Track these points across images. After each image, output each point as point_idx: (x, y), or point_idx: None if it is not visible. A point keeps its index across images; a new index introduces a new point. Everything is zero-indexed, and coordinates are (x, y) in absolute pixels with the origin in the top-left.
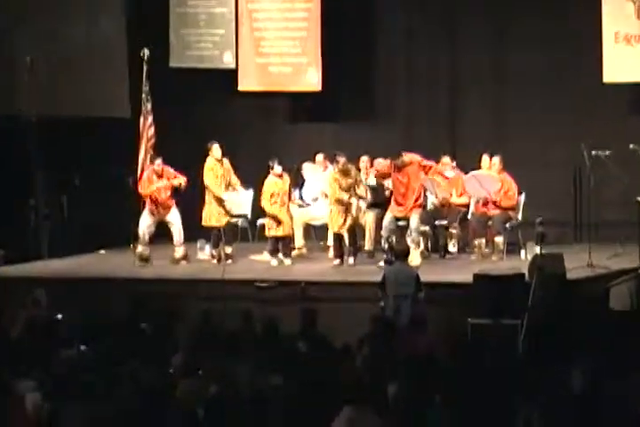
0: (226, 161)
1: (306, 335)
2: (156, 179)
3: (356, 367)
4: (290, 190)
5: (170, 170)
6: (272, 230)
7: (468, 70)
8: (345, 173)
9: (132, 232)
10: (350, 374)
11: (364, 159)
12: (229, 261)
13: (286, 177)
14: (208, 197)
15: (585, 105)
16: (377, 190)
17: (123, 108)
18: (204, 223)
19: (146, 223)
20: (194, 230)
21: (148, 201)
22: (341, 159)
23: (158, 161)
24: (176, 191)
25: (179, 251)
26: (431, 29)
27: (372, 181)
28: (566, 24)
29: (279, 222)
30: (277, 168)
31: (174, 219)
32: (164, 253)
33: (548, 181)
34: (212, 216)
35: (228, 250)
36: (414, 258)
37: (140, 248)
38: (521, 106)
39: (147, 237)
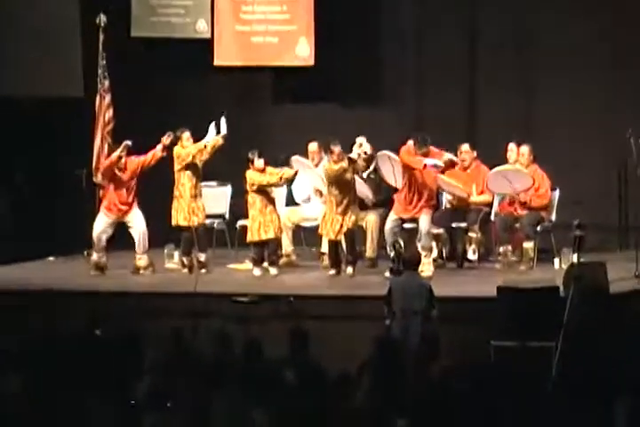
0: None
1: (295, 361)
2: (119, 173)
3: (355, 400)
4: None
5: (134, 160)
6: (255, 234)
7: (490, 40)
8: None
9: (87, 237)
10: (349, 407)
11: (360, 140)
12: (203, 270)
13: (271, 170)
14: (177, 191)
15: (629, 85)
16: (380, 185)
17: (75, 86)
18: (173, 223)
19: (101, 226)
20: (161, 234)
21: (104, 198)
22: (336, 148)
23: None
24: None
25: (141, 259)
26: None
27: (372, 175)
28: None
29: (263, 224)
30: (259, 162)
31: (136, 220)
32: (125, 262)
33: (587, 175)
34: (181, 214)
35: (202, 257)
36: (425, 267)
37: (94, 255)
38: (554, 86)
39: (102, 243)
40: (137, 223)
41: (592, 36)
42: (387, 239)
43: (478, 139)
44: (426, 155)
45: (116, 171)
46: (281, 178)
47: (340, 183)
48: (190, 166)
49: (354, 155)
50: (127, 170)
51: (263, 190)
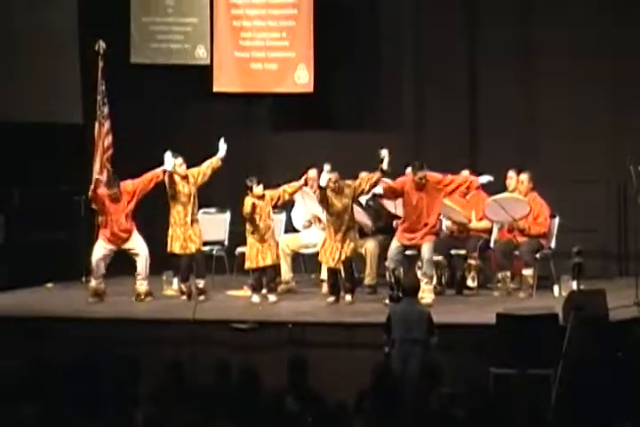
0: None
1: (294, 389)
2: (109, 204)
3: None
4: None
5: (128, 184)
6: (253, 260)
7: (489, 70)
8: (337, 192)
9: (85, 263)
10: None
11: (363, 176)
12: (202, 297)
13: (268, 197)
14: (172, 219)
15: (629, 111)
16: (379, 213)
17: (74, 113)
18: (169, 250)
19: (100, 253)
20: (159, 261)
21: (103, 226)
22: (332, 176)
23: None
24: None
25: (142, 284)
26: (447, 21)
27: (371, 201)
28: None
29: (261, 251)
30: (258, 188)
31: (138, 246)
32: (123, 289)
33: (587, 202)
34: (176, 242)
35: (201, 284)
36: (426, 294)
37: (93, 282)
38: (553, 112)
39: (101, 270)
40: (140, 249)
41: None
42: (388, 266)
43: (479, 166)
44: (421, 180)
45: (108, 202)
46: (285, 191)
47: (336, 210)
48: (183, 193)
49: (322, 182)
50: (122, 198)
51: (261, 217)
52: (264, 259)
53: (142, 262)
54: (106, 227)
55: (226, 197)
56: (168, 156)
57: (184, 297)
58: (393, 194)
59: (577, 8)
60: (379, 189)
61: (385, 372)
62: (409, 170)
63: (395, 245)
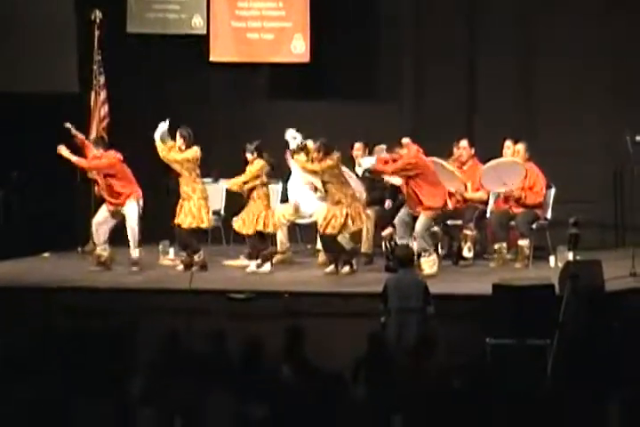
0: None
1: (290, 358)
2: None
3: (350, 397)
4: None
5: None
6: (249, 226)
7: (488, 39)
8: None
9: (81, 232)
10: (344, 405)
11: (357, 146)
12: (194, 268)
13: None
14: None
15: (628, 83)
16: (374, 183)
17: (70, 82)
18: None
19: (99, 216)
20: (156, 231)
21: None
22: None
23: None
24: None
25: (133, 253)
26: None
27: (367, 173)
28: None
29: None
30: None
31: (127, 214)
32: (121, 258)
33: (583, 173)
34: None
35: (195, 257)
36: (425, 266)
37: (97, 249)
38: (552, 84)
39: (101, 235)
40: (128, 218)
41: (594, 33)
42: (398, 229)
43: (476, 136)
44: None
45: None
46: None
47: (331, 179)
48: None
49: (293, 146)
50: (103, 159)
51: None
52: (265, 225)
53: (128, 231)
54: (100, 188)
55: (222, 166)
56: (161, 125)
57: (180, 267)
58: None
59: None
60: (370, 162)
61: (381, 342)
62: (406, 140)
63: (405, 209)
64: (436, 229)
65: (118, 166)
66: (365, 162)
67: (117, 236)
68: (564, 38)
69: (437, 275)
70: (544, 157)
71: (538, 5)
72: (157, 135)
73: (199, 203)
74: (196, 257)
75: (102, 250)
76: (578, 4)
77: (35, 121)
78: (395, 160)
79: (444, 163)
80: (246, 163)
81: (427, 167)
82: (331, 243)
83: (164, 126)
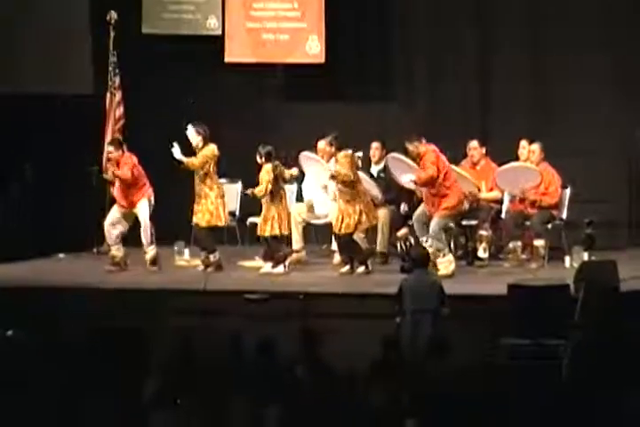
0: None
1: (305, 359)
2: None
3: (365, 398)
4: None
5: (132, 165)
6: (267, 229)
7: (501, 38)
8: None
9: (97, 234)
10: (358, 406)
11: (374, 146)
12: (209, 268)
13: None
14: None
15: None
16: (389, 184)
17: (85, 83)
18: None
19: (111, 218)
20: (172, 231)
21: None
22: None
23: (110, 148)
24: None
25: (148, 253)
26: None
27: (382, 173)
28: None
29: (275, 219)
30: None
31: (140, 214)
32: (137, 259)
33: (598, 173)
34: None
35: (211, 257)
36: (441, 266)
37: (112, 250)
38: (565, 83)
39: (114, 236)
40: (140, 217)
41: (608, 31)
42: (415, 228)
43: (491, 137)
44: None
45: (110, 166)
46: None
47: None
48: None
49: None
50: (123, 165)
51: (275, 186)
52: (278, 228)
53: (142, 230)
54: (115, 191)
55: (237, 167)
56: (176, 147)
57: (200, 268)
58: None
59: None
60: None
61: (395, 342)
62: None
63: (421, 208)
64: (451, 225)
65: (135, 172)
66: (405, 179)
67: (132, 236)
68: (576, 36)
69: (454, 275)
70: (559, 156)
71: (550, 3)
72: (179, 155)
73: (217, 202)
74: (211, 257)
75: (116, 250)
76: (590, 2)
77: (50, 122)
78: (424, 167)
79: (456, 169)
80: (258, 165)
81: (445, 168)
82: (346, 243)
83: (177, 148)
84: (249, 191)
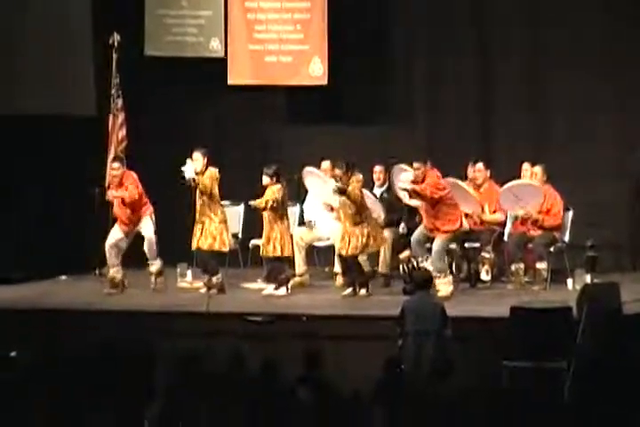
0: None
1: (308, 381)
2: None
3: (368, 420)
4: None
5: (135, 183)
6: (270, 250)
7: (502, 62)
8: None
9: (99, 255)
10: None
11: (378, 169)
12: (212, 290)
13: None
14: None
15: None
16: (393, 205)
17: (87, 105)
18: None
19: (112, 238)
20: (175, 254)
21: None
22: (338, 171)
23: (115, 164)
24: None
25: (154, 265)
26: (461, 12)
27: (385, 194)
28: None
29: (276, 241)
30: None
31: (144, 228)
32: (138, 281)
33: (601, 195)
34: (194, 237)
35: (213, 279)
36: (442, 287)
37: (111, 271)
38: (567, 107)
39: (113, 257)
40: (145, 231)
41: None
42: (413, 248)
43: (493, 160)
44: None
45: (114, 186)
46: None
47: (346, 201)
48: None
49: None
50: (123, 184)
51: (276, 207)
52: (275, 249)
53: (146, 245)
54: (116, 210)
55: (240, 189)
56: (189, 164)
57: (203, 290)
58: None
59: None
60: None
61: (398, 365)
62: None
63: (420, 229)
64: (453, 246)
65: (139, 190)
66: (404, 177)
67: (132, 257)
68: (576, 62)
69: (452, 296)
70: (560, 179)
71: (547, 25)
72: (190, 173)
73: (220, 226)
74: (214, 279)
75: (116, 272)
76: (589, 19)
77: (53, 144)
78: (423, 181)
79: (459, 182)
80: (263, 186)
81: (446, 191)
82: (351, 264)
83: (190, 165)
84: (251, 203)
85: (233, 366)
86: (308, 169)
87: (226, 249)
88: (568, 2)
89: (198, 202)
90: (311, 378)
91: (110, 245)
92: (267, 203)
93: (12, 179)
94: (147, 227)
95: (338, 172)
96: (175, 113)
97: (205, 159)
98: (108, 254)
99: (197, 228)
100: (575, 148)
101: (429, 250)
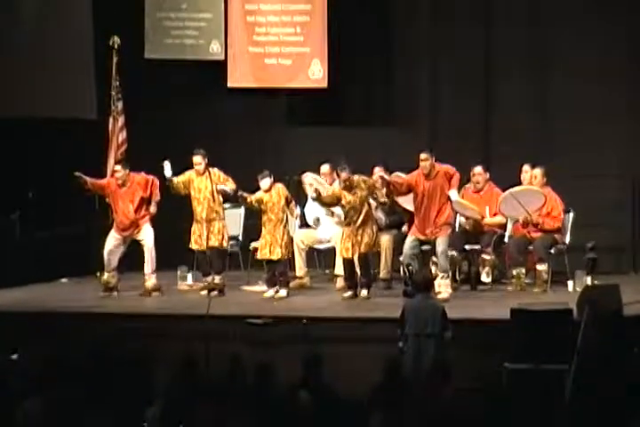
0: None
1: (308, 384)
2: (116, 188)
3: (368, 423)
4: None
5: (142, 178)
6: (266, 253)
7: (504, 64)
8: (350, 188)
9: (99, 258)
10: None
11: (378, 170)
12: (215, 292)
13: (280, 190)
14: (193, 214)
15: None
16: (393, 208)
17: (88, 108)
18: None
19: (110, 244)
20: (175, 256)
21: (113, 213)
22: (343, 173)
23: (117, 167)
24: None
25: (149, 280)
26: (462, 14)
27: (386, 197)
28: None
29: (272, 244)
30: (264, 182)
31: (144, 237)
32: (137, 284)
33: (601, 196)
34: (193, 237)
35: (216, 279)
36: (442, 289)
37: (105, 276)
38: (567, 107)
39: (112, 263)
40: (146, 240)
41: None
42: (403, 261)
43: (493, 161)
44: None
45: (115, 186)
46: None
47: (350, 204)
48: (198, 189)
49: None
50: (130, 185)
51: (274, 210)
52: (272, 252)
53: (147, 254)
54: (116, 213)
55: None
56: (167, 165)
57: (203, 292)
58: (402, 187)
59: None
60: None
61: (398, 367)
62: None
63: (410, 239)
64: (454, 253)
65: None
66: (453, 195)
67: (132, 261)
68: (579, 64)
69: (451, 298)
70: (560, 180)
71: (548, 25)
72: (169, 174)
73: (220, 224)
74: (217, 279)
75: (111, 277)
76: (593, 24)
77: (52, 146)
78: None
79: (461, 200)
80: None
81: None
82: (352, 266)
83: (168, 165)
84: (240, 193)
85: (232, 370)
86: (309, 175)
87: (226, 245)
88: (568, 3)
89: (204, 203)
90: (311, 380)
91: (108, 251)
92: (255, 199)
93: (12, 182)
94: (147, 235)
95: (344, 174)
96: (175, 115)
97: (206, 160)
98: (106, 261)
99: (205, 228)
100: (576, 149)
101: (423, 253)
